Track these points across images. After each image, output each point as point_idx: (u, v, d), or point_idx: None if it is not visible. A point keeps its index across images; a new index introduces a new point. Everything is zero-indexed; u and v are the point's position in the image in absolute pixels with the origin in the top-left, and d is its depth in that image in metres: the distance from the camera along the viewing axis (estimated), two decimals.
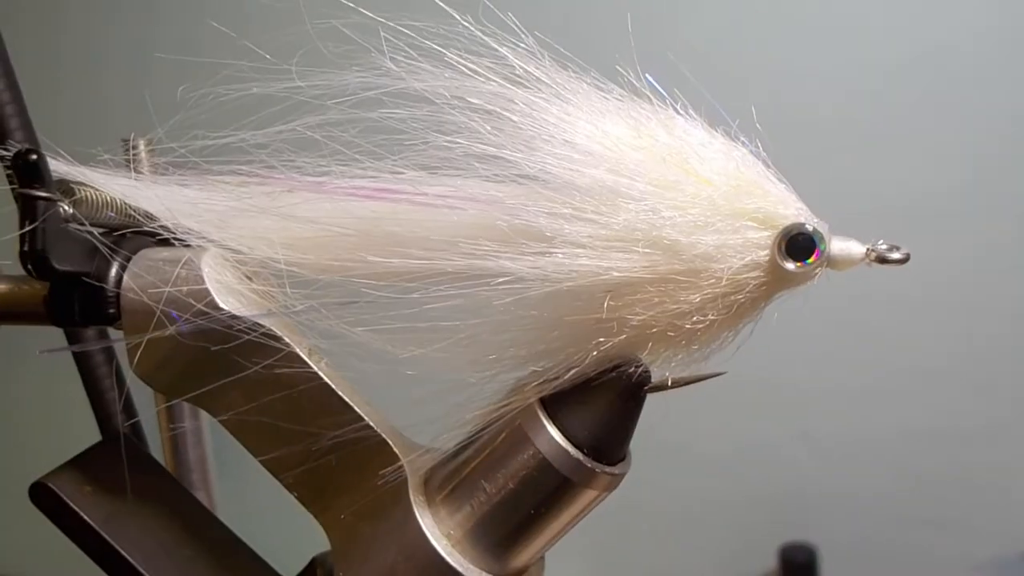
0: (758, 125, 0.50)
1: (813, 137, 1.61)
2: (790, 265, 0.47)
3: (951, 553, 1.71)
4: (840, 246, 0.47)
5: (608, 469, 0.47)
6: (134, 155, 0.77)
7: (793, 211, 0.48)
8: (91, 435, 0.62)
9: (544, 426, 0.46)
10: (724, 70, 1.65)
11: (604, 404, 0.47)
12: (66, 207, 0.50)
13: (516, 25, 0.50)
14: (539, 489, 0.46)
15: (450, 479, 0.48)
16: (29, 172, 0.49)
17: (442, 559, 0.45)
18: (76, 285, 0.50)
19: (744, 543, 1.78)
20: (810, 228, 0.47)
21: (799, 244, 0.47)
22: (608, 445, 0.48)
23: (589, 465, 0.46)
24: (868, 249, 0.48)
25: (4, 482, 1.92)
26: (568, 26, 1.34)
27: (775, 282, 0.47)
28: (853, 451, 1.72)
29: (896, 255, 0.48)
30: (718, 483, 1.77)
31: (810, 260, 0.47)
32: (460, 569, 0.45)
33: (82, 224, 0.50)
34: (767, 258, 0.47)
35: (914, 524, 1.72)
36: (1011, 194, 1.53)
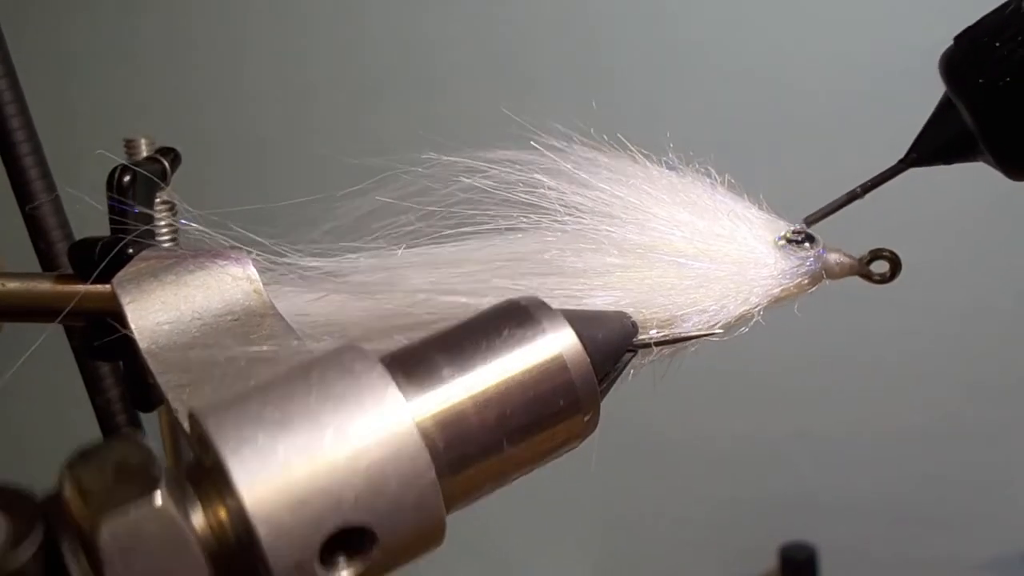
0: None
1: (814, 137, 1.62)
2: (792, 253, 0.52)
3: (951, 553, 1.71)
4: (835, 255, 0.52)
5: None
6: (135, 155, 0.77)
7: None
8: (91, 434, 0.62)
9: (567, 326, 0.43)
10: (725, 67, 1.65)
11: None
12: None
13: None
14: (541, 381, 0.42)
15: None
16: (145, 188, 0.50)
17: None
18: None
19: (744, 543, 1.78)
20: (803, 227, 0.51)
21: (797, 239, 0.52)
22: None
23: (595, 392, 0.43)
24: (861, 259, 0.53)
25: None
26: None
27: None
28: (853, 451, 1.72)
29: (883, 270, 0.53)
30: (718, 483, 1.77)
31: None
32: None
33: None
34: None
35: (914, 524, 1.72)
36: (1011, 193, 1.53)
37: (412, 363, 0.40)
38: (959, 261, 1.56)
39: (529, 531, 1.87)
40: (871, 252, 0.54)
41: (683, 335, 0.49)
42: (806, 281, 0.53)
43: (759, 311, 0.51)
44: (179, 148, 0.61)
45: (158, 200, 0.60)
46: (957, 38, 0.51)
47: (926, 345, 1.64)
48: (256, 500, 0.34)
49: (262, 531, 0.33)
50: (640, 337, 0.48)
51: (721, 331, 0.50)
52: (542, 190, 0.52)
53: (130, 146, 0.77)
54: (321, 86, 1.75)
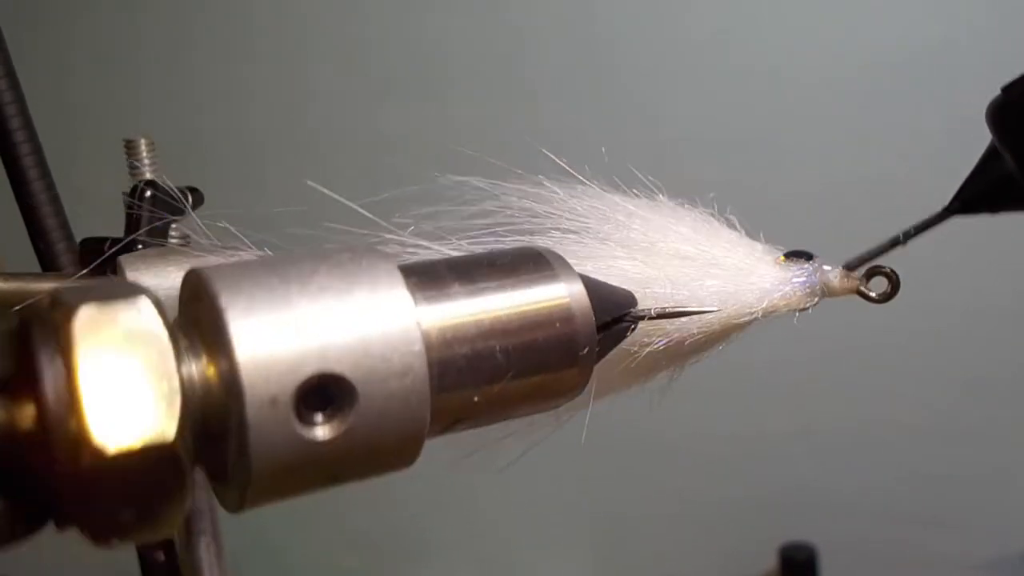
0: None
1: (813, 138, 1.62)
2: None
3: (951, 553, 1.71)
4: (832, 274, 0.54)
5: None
6: (135, 156, 0.77)
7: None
8: None
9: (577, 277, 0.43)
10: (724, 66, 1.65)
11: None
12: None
13: None
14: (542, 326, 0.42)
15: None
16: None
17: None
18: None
19: (744, 543, 1.78)
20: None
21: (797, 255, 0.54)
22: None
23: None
24: (861, 280, 0.54)
25: None
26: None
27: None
28: (853, 451, 1.72)
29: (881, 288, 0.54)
30: (718, 483, 1.77)
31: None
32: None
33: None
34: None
35: (914, 524, 1.72)
36: None
37: (425, 274, 0.40)
38: (960, 260, 1.55)
39: (529, 531, 1.87)
40: (869, 269, 0.54)
41: (681, 310, 0.50)
42: (804, 295, 0.54)
43: (758, 315, 0.52)
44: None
45: (173, 228, 0.60)
46: (1005, 89, 0.51)
47: (926, 344, 1.64)
48: (240, 329, 0.33)
49: (241, 358, 0.33)
50: (639, 309, 0.48)
51: (717, 308, 0.51)
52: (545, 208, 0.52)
53: (130, 146, 0.77)
54: (322, 87, 1.76)
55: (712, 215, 0.54)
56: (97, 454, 0.30)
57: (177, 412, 0.32)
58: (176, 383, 0.32)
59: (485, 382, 0.40)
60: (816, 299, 0.54)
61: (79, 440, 0.30)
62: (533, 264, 0.43)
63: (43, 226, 0.61)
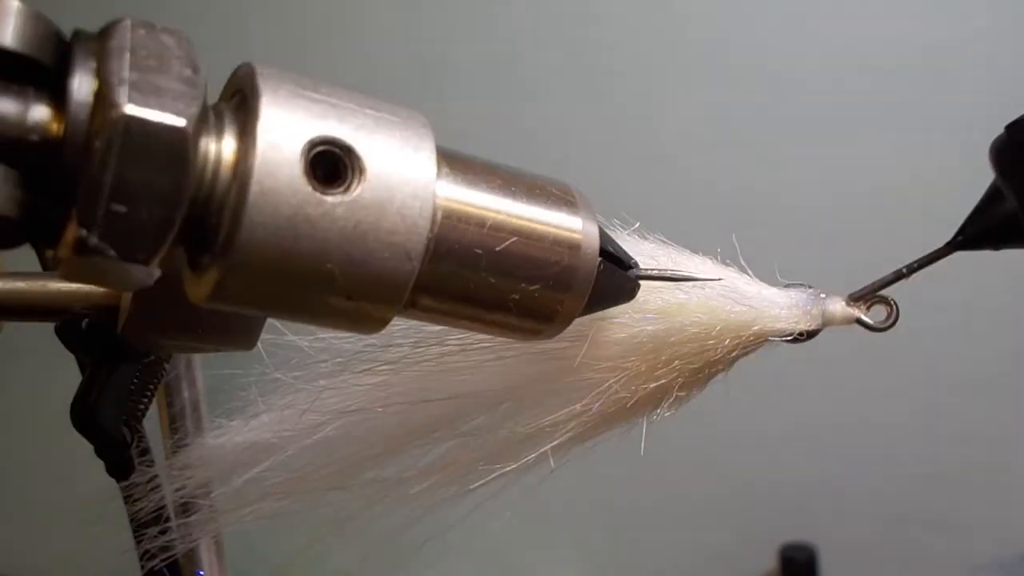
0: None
1: (814, 141, 1.62)
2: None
3: (951, 553, 1.71)
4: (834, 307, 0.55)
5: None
6: None
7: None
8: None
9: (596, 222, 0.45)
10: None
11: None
12: None
13: None
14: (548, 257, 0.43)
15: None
16: None
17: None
18: None
19: (744, 543, 1.78)
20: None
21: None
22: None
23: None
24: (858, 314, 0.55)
25: (2, 483, 1.92)
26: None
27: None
28: (853, 451, 1.72)
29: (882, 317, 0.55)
30: (718, 483, 1.77)
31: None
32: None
33: None
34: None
35: (914, 524, 1.72)
36: None
37: (457, 157, 0.42)
38: (960, 258, 1.55)
39: (529, 531, 1.87)
40: (869, 297, 0.55)
41: (683, 275, 0.50)
42: (804, 320, 0.54)
43: (761, 339, 0.53)
44: None
45: None
46: (1009, 127, 0.51)
47: (926, 344, 1.64)
48: (267, 84, 0.36)
49: (264, 103, 0.35)
50: (641, 269, 0.48)
51: (722, 278, 0.51)
52: None
53: None
54: None
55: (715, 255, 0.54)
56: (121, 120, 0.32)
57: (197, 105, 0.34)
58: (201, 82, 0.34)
59: (475, 265, 0.40)
60: (818, 327, 0.55)
61: (109, 104, 0.32)
62: (562, 194, 0.44)
63: None
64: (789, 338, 0.54)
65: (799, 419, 1.72)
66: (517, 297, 0.42)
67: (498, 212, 0.41)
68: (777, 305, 0.53)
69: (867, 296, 0.55)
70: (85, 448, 0.60)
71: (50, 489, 1.64)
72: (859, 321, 0.55)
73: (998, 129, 0.51)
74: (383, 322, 0.39)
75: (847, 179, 1.61)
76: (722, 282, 0.52)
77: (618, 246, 0.47)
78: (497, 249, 0.41)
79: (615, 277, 0.46)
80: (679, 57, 1.67)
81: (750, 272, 0.55)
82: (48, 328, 0.56)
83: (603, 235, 0.45)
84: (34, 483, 1.95)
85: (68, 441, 0.61)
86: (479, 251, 0.40)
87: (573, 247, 0.43)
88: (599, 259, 0.44)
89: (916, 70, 1.57)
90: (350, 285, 0.36)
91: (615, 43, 1.69)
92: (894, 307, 0.55)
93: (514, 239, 0.41)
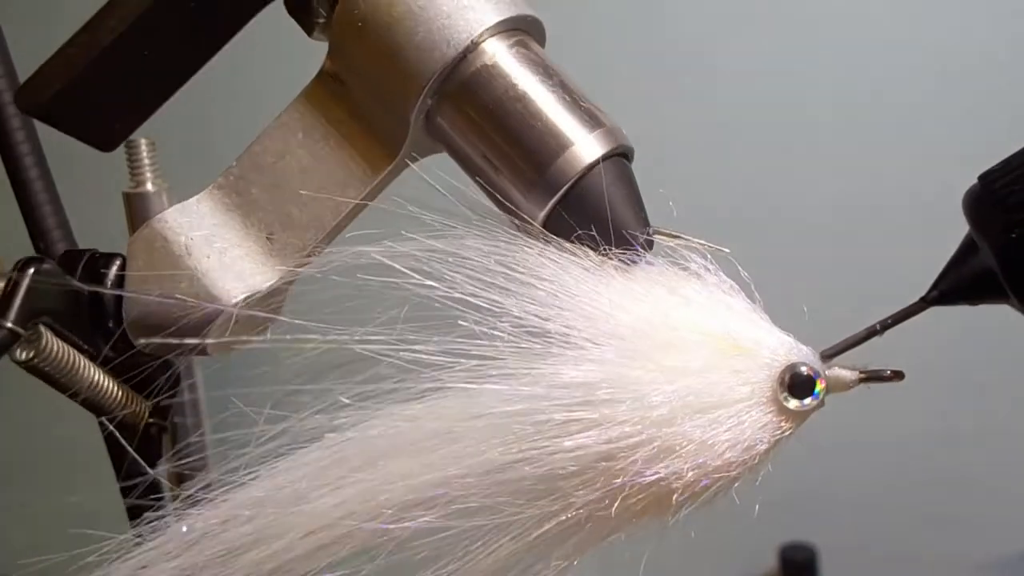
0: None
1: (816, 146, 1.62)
2: (793, 403, 0.53)
3: (951, 553, 1.71)
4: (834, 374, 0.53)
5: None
6: (135, 157, 0.77)
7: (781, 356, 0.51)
8: (86, 436, 0.62)
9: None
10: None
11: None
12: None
13: None
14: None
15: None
16: None
17: None
18: None
19: (744, 543, 1.78)
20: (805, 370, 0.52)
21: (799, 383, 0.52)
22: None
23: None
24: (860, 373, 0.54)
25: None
26: None
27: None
28: (853, 451, 1.72)
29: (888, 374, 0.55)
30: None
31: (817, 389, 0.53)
32: None
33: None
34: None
35: (914, 524, 1.71)
36: None
37: (530, 51, 0.50)
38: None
39: None
40: (868, 375, 0.56)
41: (690, 240, 0.49)
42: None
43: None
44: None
45: None
46: (982, 177, 0.48)
47: (926, 344, 1.63)
48: None
49: None
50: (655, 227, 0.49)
51: (728, 249, 0.50)
52: None
53: (131, 147, 0.77)
54: None
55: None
56: None
57: None
58: None
59: (471, 110, 0.48)
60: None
61: None
62: (591, 113, 0.49)
63: (43, 226, 0.61)
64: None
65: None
66: (492, 157, 0.49)
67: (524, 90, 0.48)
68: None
69: (841, 352, 0.55)
70: (84, 449, 0.59)
71: (48, 488, 1.63)
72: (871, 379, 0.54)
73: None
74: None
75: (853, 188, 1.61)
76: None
77: (637, 200, 0.48)
78: (506, 110, 0.48)
79: (617, 205, 0.47)
80: (679, 58, 1.67)
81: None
82: None
83: (613, 184, 0.47)
84: (32, 483, 1.94)
85: (63, 442, 0.61)
86: (491, 104, 0.48)
87: (564, 145, 0.47)
88: (586, 167, 0.47)
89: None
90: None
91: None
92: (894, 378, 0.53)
93: (521, 112, 0.48)
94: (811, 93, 1.61)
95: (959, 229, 0.50)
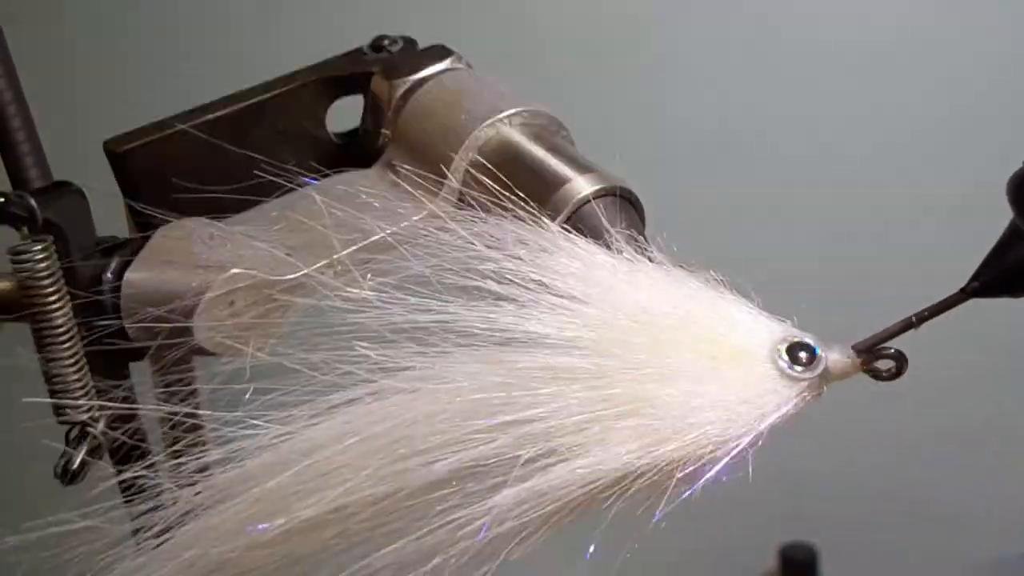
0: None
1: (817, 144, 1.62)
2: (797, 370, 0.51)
3: (951, 553, 1.71)
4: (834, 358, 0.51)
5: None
6: None
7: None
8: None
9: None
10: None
11: None
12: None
13: None
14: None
15: None
16: None
17: None
18: None
19: (744, 543, 1.78)
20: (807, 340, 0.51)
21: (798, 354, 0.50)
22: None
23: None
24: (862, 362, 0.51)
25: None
26: None
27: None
28: (853, 450, 1.72)
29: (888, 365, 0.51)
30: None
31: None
32: None
33: None
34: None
35: (914, 524, 1.72)
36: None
37: (537, 129, 0.63)
38: (959, 256, 1.55)
39: None
40: (874, 351, 0.51)
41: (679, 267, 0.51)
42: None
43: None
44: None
45: None
46: None
47: (926, 344, 1.63)
48: None
49: None
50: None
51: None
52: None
53: None
54: None
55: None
56: None
57: None
58: None
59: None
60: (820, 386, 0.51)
61: None
62: (584, 167, 0.57)
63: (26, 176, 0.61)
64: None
65: (799, 419, 1.72)
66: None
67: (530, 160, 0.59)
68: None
69: (876, 346, 0.51)
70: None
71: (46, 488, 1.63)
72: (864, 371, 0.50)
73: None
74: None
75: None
76: None
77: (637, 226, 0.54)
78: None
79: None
80: (679, 59, 1.67)
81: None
82: None
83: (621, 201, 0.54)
84: (32, 485, 1.94)
85: (61, 443, 0.61)
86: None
87: (567, 193, 0.55)
88: (581, 202, 0.54)
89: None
90: None
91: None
92: (901, 360, 0.51)
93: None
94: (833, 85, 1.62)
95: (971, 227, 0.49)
